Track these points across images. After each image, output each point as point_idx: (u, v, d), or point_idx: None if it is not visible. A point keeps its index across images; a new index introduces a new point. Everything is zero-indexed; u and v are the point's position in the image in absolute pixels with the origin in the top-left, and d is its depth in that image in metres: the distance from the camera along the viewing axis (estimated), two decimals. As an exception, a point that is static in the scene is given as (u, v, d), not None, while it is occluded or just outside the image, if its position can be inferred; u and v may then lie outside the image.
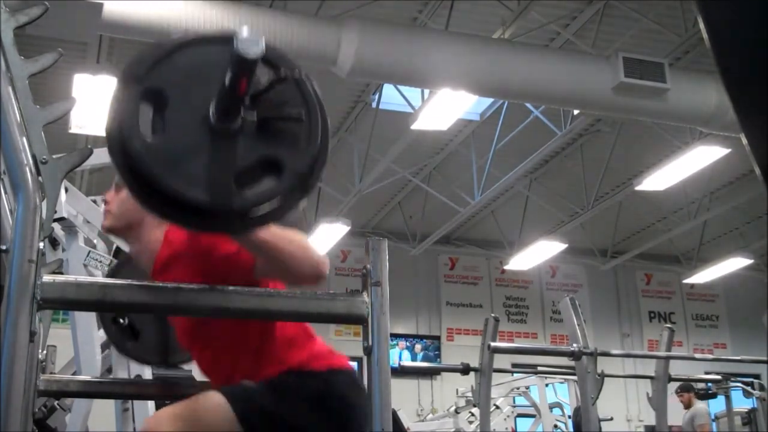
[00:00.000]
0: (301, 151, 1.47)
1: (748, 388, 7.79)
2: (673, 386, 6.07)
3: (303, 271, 1.81)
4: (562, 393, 9.19)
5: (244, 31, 1.35)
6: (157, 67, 1.46)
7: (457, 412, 8.75)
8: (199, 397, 1.87)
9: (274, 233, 1.74)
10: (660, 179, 9.36)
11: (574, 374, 5.18)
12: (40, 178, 1.51)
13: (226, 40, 1.40)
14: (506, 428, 8.81)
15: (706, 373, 9.11)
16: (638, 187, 9.75)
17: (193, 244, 1.91)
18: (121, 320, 2.48)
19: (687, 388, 8.15)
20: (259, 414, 1.85)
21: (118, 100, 1.44)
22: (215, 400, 1.84)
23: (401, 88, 8.35)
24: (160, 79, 1.45)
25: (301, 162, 1.46)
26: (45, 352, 2.88)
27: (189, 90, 1.46)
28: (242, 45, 1.34)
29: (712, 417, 9.31)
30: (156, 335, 2.42)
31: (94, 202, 3.59)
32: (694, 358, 6.65)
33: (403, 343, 12.87)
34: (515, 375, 8.65)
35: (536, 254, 11.99)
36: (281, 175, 1.45)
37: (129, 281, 1.60)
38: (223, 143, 1.45)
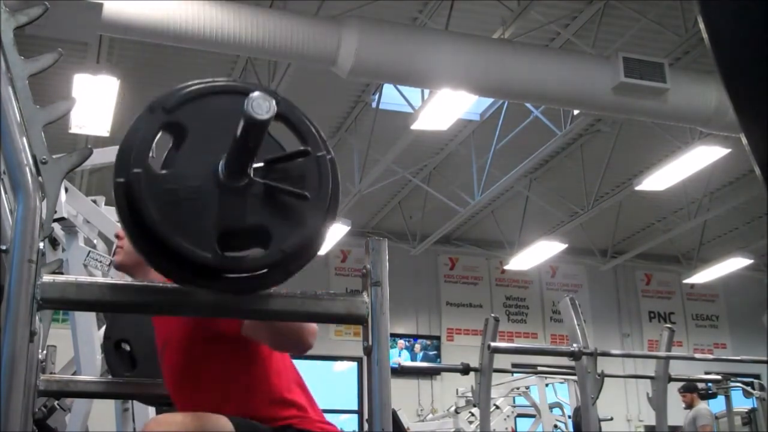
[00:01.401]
0: (294, 230, 1.43)
1: (748, 388, 7.79)
2: (673, 386, 6.06)
3: (289, 342, 1.89)
4: (562, 393, 9.19)
5: (256, 93, 1.32)
6: (186, 104, 1.43)
7: (457, 412, 8.75)
8: (207, 415, 1.89)
9: None
10: (660, 179, 9.36)
11: (574, 374, 5.18)
12: (40, 178, 1.51)
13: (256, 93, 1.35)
14: (506, 428, 8.81)
15: (706, 373, 9.11)
16: (638, 187, 9.75)
17: None
18: (124, 346, 2.51)
19: (690, 388, 8.13)
20: None
21: (139, 123, 1.42)
22: (222, 423, 1.86)
23: (401, 88, 8.35)
24: (185, 116, 1.43)
25: (290, 241, 1.43)
26: (45, 352, 2.88)
27: (209, 136, 1.44)
28: (252, 105, 1.30)
29: (713, 417, 9.32)
30: (156, 369, 2.42)
31: (94, 202, 3.59)
32: (694, 358, 6.63)
33: (402, 343, 12.87)
34: (515, 375, 8.65)
35: (536, 254, 11.99)
36: (267, 249, 1.42)
37: (129, 282, 1.60)
38: (223, 198, 1.41)
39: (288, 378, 2.07)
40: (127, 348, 2.54)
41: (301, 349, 1.88)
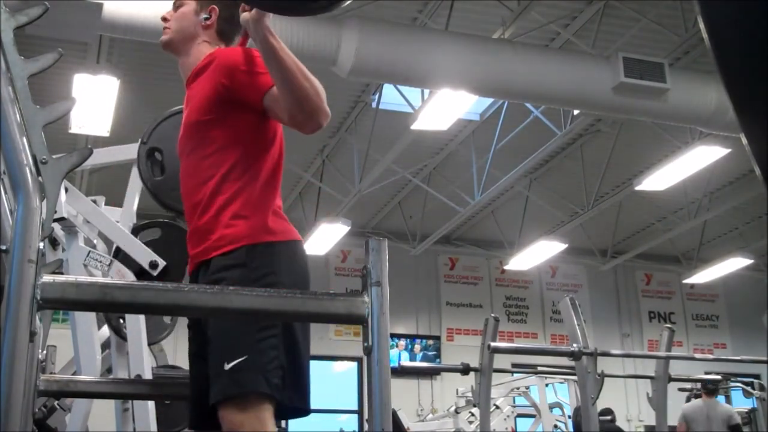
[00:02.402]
0: None
1: (748, 388, 7.79)
2: (672, 386, 6.04)
3: (307, 110, 1.95)
4: (562, 393, 9.19)
5: None
6: None
7: (457, 412, 8.75)
8: (241, 417, 1.90)
9: (301, 68, 1.94)
10: (660, 179, 9.36)
11: (574, 374, 5.18)
12: (40, 178, 1.51)
13: None
14: (506, 428, 8.81)
15: (706, 373, 9.12)
16: (638, 187, 9.75)
17: (227, 60, 2.09)
18: (156, 155, 2.74)
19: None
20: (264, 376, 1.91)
21: None
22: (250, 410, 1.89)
23: (401, 88, 8.35)
24: None
25: None
26: (45, 352, 2.89)
27: None
28: None
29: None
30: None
31: (94, 202, 3.58)
32: (694, 358, 6.63)
33: (402, 344, 12.87)
34: (515, 375, 8.66)
35: (536, 254, 11.99)
36: None
37: (129, 282, 1.60)
38: None
39: (276, 188, 2.15)
40: (159, 157, 2.72)
41: (313, 123, 1.98)
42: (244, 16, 2.00)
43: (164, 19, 2.32)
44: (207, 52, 2.21)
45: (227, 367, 1.90)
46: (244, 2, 1.99)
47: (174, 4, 2.34)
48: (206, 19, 2.27)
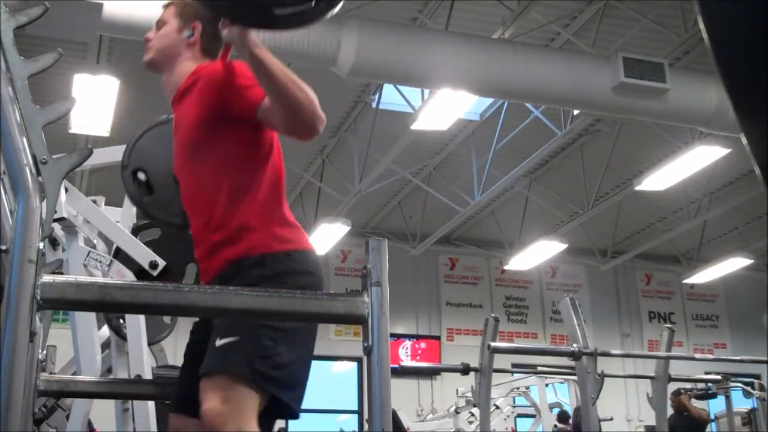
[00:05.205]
0: None
1: (748, 388, 7.78)
2: (673, 386, 6.05)
3: (302, 119, 1.94)
4: (562, 393, 9.19)
5: None
6: None
7: (457, 412, 8.75)
8: (221, 394, 1.88)
9: (292, 77, 1.91)
10: (660, 179, 9.37)
11: (574, 374, 5.18)
12: (40, 179, 1.51)
13: None
14: (506, 428, 8.81)
15: (706, 373, 9.11)
16: (638, 187, 9.76)
17: (214, 77, 2.06)
18: (140, 175, 2.67)
19: None
20: (261, 371, 1.91)
21: None
22: (233, 387, 1.88)
23: (401, 88, 8.35)
24: None
25: None
26: (45, 352, 2.88)
27: None
28: None
29: (713, 417, 9.32)
30: (170, 193, 2.53)
31: (94, 202, 3.58)
32: (694, 358, 6.63)
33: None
34: (515, 375, 8.66)
35: (536, 254, 11.99)
36: None
37: (129, 282, 1.60)
38: None
39: (282, 196, 2.15)
40: (143, 177, 2.68)
41: (310, 130, 1.96)
42: (227, 32, 1.96)
43: (147, 40, 2.28)
44: (191, 69, 2.18)
45: (218, 343, 1.92)
46: (223, 18, 1.96)
47: (156, 24, 2.30)
48: (189, 36, 2.23)
